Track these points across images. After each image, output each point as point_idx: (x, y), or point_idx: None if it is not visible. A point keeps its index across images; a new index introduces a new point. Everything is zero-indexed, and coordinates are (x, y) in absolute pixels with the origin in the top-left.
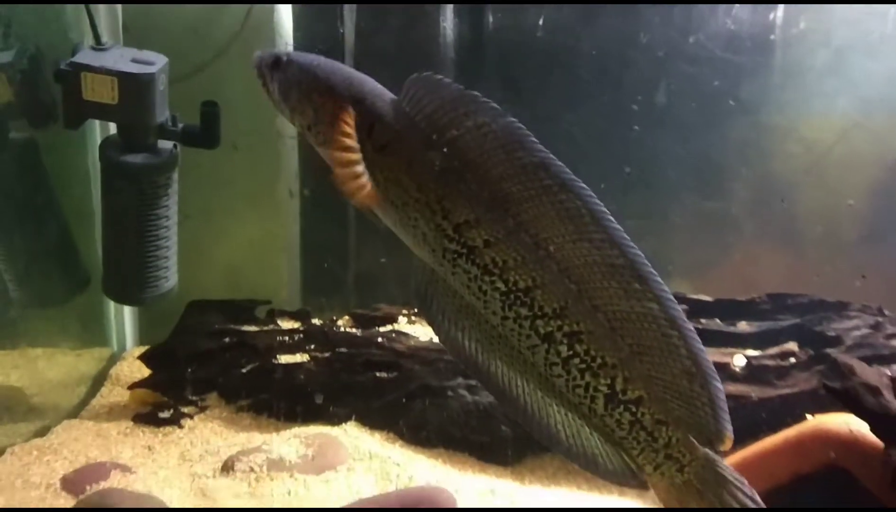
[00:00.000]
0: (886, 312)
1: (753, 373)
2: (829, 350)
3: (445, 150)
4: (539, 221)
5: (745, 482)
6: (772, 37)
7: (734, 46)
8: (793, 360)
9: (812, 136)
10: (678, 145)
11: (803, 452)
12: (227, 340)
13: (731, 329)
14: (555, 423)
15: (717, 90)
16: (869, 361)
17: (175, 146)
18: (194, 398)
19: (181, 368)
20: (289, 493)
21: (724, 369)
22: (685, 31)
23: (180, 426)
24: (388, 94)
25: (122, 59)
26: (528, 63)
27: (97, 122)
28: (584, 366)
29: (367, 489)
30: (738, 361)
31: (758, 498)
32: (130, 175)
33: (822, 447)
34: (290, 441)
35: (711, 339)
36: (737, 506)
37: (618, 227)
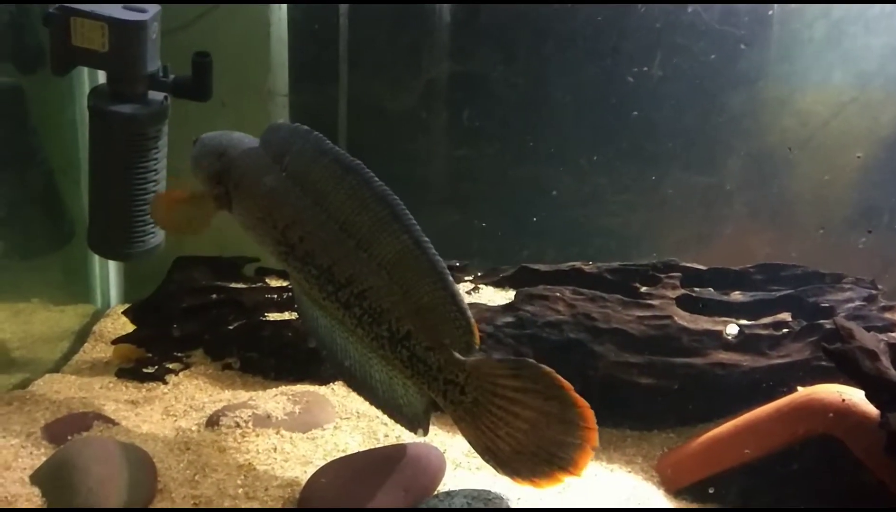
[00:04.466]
0: (880, 286)
1: (746, 342)
2: (822, 321)
3: (284, 174)
4: (340, 208)
5: (519, 363)
6: (770, 13)
7: (732, 19)
8: (786, 330)
9: (808, 110)
10: (673, 118)
11: (796, 421)
12: (214, 296)
13: (725, 298)
14: (376, 382)
15: (714, 63)
16: None
17: (165, 98)
18: (179, 355)
19: (166, 324)
20: (274, 449)
21: (716, 338)
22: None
23: (164, 382)
24: (251, 144)
25: (113, 5)
26: (523, 32)
27: (86, 69)
28: (370, 319)
29: (354, 447)
30: (731, 329)
31: (551, 375)
32: (119, 126)
33: (814, 416)
34: (277, 398)
35: (705, 307)
36: (522, 398)
37: (386, 188)
